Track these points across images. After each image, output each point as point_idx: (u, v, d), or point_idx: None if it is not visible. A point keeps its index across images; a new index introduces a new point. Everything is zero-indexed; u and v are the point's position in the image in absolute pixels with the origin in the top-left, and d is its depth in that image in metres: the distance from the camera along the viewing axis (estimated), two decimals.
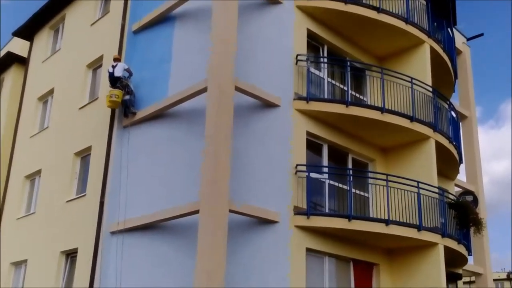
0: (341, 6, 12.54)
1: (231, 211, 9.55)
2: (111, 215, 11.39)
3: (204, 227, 9.28)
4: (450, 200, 12.88)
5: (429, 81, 13.44)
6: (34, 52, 18.09)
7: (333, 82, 13.06)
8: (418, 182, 11.79)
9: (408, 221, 11.58)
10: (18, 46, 19.56)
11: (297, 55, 11.82)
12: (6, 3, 62.70)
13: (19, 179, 16.19)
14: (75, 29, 16.04)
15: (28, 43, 18.54)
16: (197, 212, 9.56)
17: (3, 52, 20.49)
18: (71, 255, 12.91)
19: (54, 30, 17.62)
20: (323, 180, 11.72)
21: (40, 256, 13.69)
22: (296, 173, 10.98)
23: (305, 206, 10.80)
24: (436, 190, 12.28)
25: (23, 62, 18.78)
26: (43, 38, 17.72)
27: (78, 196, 13.22)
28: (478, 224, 13.35)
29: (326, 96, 12.55)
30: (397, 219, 11.48)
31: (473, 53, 20.61)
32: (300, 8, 12.32)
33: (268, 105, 11.15)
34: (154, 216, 10.56)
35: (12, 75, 19.29)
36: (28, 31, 18.21)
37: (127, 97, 11.77)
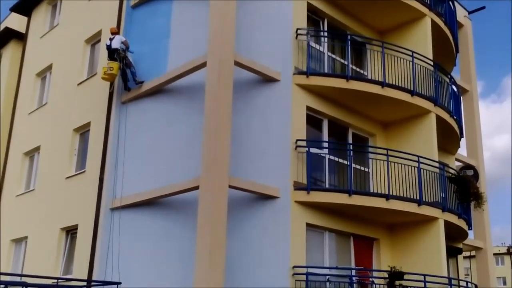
0: None
1: (231, 186, 9.55)
2: (111, 191, 11.41)
3: (204, 202, 9.30)
4: (450, 174, 12.87)
5: (430, 55, 13.29)
6: (32, 28, 17.87)
7: (334, 56, 12.91)
8: (418, 156, 11.75)
9: (408, 196, 11.59)
10: (16, 22, 19.29)
11: (297, 29, 11.64)
12: None
13: (18, 156, 16.19)
14: (73, 4, 15.79)
15: (26, 18, 18.29)
16: (197, 188, 9.57)
17: (1, 28, 20.23)
18: (71, 232, 12.99)
19: (52, 5, 17.36)
20: (323, 155, 11.68)
21: (40, 233, 13.78)
22: (296, 148, 10.93)
23: (305, 182, 10.80)
24: (437, 164, 12.26)
25: (21, 37, 18.57)
26: (41, 13, 17.48)
27: (78, 173, 13.22)
28: (478, 198, 13.37)
29: (326, 71, 12.42)
30: (398, 194, 11.48)
31: (474, 26, 20.35)
32: None
33: (268, 80, 11.04)
34: (154, 192, 10.58)
35: (10, 51, 19.09)
36: (26, 6, 17.97)
37: (128, 70, 11.63)
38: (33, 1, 17.71)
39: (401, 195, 11.53)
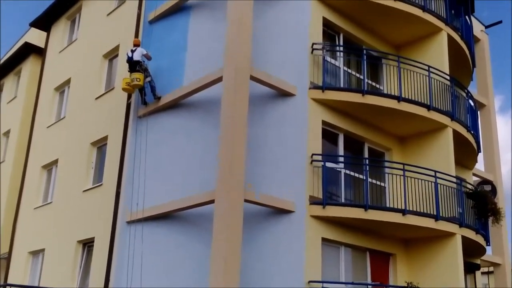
0: None
1: (246, 200, 9.55)
2: (127, 205, 11.48)
3: (219, 216, 9.31)
4: (468, 189, 12.73)
5: (446, 69, 13.24)
6: (51, 43, 18.22)
7: (349, 71, 12.93)
8: (435, 171, 11.65)
9: (425, 211, 11.47)
10: (36, 37, 19.72)
11: (313, 44, 11.70)
12: None
13: (37, 169, 16.40)
14: (91, 19, 16.10)
15: (45, 33, 18.67)
16: (212, 201, 9.59)
17: (21, 43, 20.68)
18: (88, 245, 13.07)
19: (71, 21, 17.71)
20: (339, 169, 11.64)
21: (57, 246, 13.88)
22: (311, 162, 10.92)
23: (321, 196, 10.76)
24: (454, 179, 12.13)
25: (40, 52, 18.95)
26: (60, 28, 17.83)
27: (95, 186, 13.35)
28: (496, 214, 13.17)
29: (342, 85, 12.43)
30: (414, 209, 11.38)
31: (492, 41, 20.24)
32: None
33: (284, 94, 11.08)
34: (170, 206, 10.62)
35: (30, 65, 19.50)
36: (45, 22, 18.33)
37: (147, 81, 11.67)
38: (52, 17, 18.08)
39: (418, 210, 11.42)
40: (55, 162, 15.65)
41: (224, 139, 9.78)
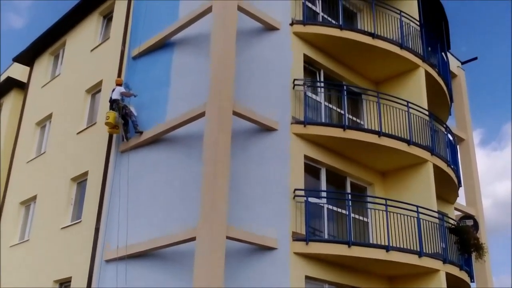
0: (336, 32, 12.68)
1: (228, 237, 9.42)
2: (106, 242, 11.23)
3: (201, 254, 9.14)
4: (450, 224, 12.77)
5: (425, 104, 13.50)
6: (33, 77, 18.17)
7: (330, 106, 13.10)
8: (417, 206, 11.69)
9: (408, 247, 11.44)
10: (19, 71, 19.65)
11: (294, 80, 11.88)
12: (7, 29, 63.39)
13: (14, 205, 16.04)
14: (75, 55, 16.15)
15: (28, 68, 18.63)
16: (194, 239, 9.44)
17: (3, 77, 20.56)
18: (64, 284, 12.69)
19: (54, 56, 17.74)
20: (322, 204, 11.62)
21: (32, 285, 13.42)
22: (294, 197, 10.89)
23: (303, 232, 10.68)
24: (436, 214, 12.19)
25: (22, 87, 18.85)
26: (43, 63, 17.82)
27: (74, 223, 13.07)
28: (479, 249, 13.19)
29: (323, 120, 12.56)
30: (398, 245, 11.34)
31: (470, 76, 20.77)
32: (297, 34, 12.43)
33: (266, 129, 11.14)
34: (150, 244, 10.42)
35: (11, 100, 19.32)
36: (28, 57, 18.34)
37: (129, 119, 11.81)
38: (36, 52, 18.10)
39: (401, 246, 11.38)
40: (34, 198, 15.34)
41: (206, 175, 9.72)
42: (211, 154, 9.78)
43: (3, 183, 17.18)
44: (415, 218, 11.62)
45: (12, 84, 19.29)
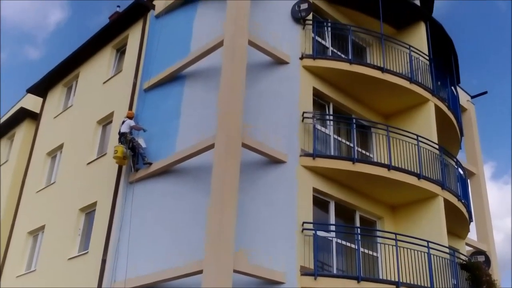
0: (346, 66, 12.81)
1: (236, 271, 9.31)
2: (113, 274, 11.14)
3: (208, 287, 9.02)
4: (461, 260, 12.53)
5: (435, 138, 13.46)
6: (46, 108, 18.45)
7: (339, 139, 13.11)
8: (428, 241, 11.51)
9: (419, 283, 11.20)
10: (32, 102, 19.98)
11: (303, 113, 11.95)
12: (24, 61, 64.90)
13: (23, 234, 16.02)
14: (88, 87, 16.43)
15: (41, 99, 18.95)
16: (200, 272, 9.34)
17: (17, 107, 20.92)
18: None
19: (67, 87, 18.05)
20: (330, 238, 11.49)
21: None
22: (302, 231, 10.79)
23: (312, 266, 10.53)
24: (447, 250, 11.97)
25: (35, 117, 19.13)
26: (56, 94, 18.13)
27: (81, 254, 13.00)
28: (491, 286, 12.87)
29: (332, 153, 12.56)
30: (408, 281, 11.12)
31: (480, 110, 20.72)
32: (307, 68, 12.59)
33: (275, 161, 11.15)
34: (157, 276, 10.31)
35: (24, 130, 19.59)
36: (42, 88, 18.66)
37: (138, 151, 11.95)
38: (49, 83, 18.43)
39: (412, 282, 11.15)
40: (42, 228, 15.34)
41: (214, 206, 9.69)
42: (219, 186, 9.78)
43: (13, 211, 17.23)
44: (426, 254, 11.42)
45: (24, 115, 19.60)
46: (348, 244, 11.73)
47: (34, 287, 14.11)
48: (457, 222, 13.98)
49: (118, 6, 17.65)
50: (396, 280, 10.88)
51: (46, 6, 65.05)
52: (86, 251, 12.77)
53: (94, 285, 11.45)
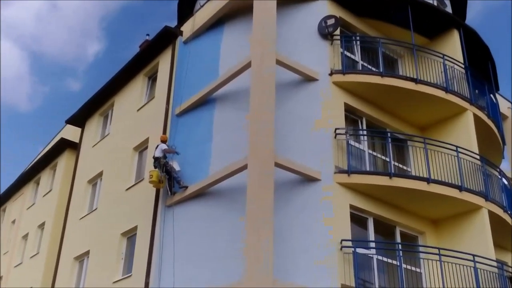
0: (377, 80, 12.64)
1: None
2: None
3: None
4: (510, 274, 11.95)
5: (475, 148, 13.02)
6: (85, 138, 19.05)
7: (374, 153, 12.88)
8: (473, 255, 11.07)
9: None
10: (71, 132, 20.71)
11: (336, 129, 11.82)
12: (65, 92, 67.56)
13: (69, 260, 16.46)
14: (122, 115, 16.89)
15: (79, 129, 19.60)
16: None
17: (57, 139, 21.72)
18: None
19: (103, 116, 18.61)
20: (371, 255, 11.22)
21: None
22: (341, 248, 10.59)
23: (353, 284, 10.29)
24: (494, 263, 11.47)
25: (75, 147, 19.79)
26: (93, 124, 18.71)
27: (124, 277, 13.23)
28: None
29: (368, 168, 12.34)
30: None
31: None
32: (337, 83, 12.48)
33: (309, 179, 11.06)
34: None
35: (65, 159, 20.30)
36: (80, 118, 19.32)
37: (168, 176, 12.12)
38: (86, 113, 19.06)
39: None
40: (87, 253, 15.72)
41: (250, 227, 9.68)
42: (254, 207, 9.79)
43: (59, 239, 17.75)
44: (472, 268, 10.98)
45: (65, 145, 20.34)
46: (390, 260, 11.42)
47: None
48: (504, 234, 13.38)
49: (148, 35, 18.19)
50: None
51: (84, 39, 67.72)
52: (129, 274, 12.99)
53: None
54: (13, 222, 23.76)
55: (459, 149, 12.46)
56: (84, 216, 16.78)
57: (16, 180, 24.23)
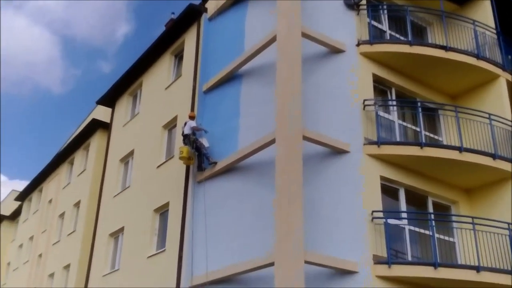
0: (406, 49, 12.38)
1: (307, 262, 9.33)
2: (189, 269, 11.53)
3: (280, 279, 9.13)
4: None
5: (508, 115, 12.70)
6: (115, 118, 19.40)
7: (405, 124, 12.72)
8: (508, 223, 10.93)
9: (500, 267, 10.66)
10: (102, 113, 21.11)
11: (364, 100, 11.70)
12: (97, 75, 68.55)
13: (105, 237, 16.99)
14: (151, 94, 17.09)
15: (110, 109, 19.95)
16: (272, 264, 9.46)
17: (89, 120, 22.17)
18: None
19: (133, 96, 18.87)
20: (403, 226, 11.19)
21: None
22: (372, 220, 10.59)
23: (385, 255, 10.32)
24: None
25: (106, 127, 20.19)
26: (123, 104, 19.00)
27: (158, 252, 13.59)
28: None
29: (398, 139, 12.20)
30: (489, 265, 10.61)
31: None
32: (364, 54, 12.28)
33: (338, 151, 11.03)
34: (231, 270, 10.58)
35: (97, 140, 20.76)
36: (110, 99, 19.65)
37: (198, 152, 12.25)
38: (116, 94, 19.35)
39: (493, 265, 10.63)
40: (121, 230, 16.17)
41: (279, 200, 9.77)
42: (283, 181, 9.84)
43: (94, 217, 18.31)
44: (507, 236, 10.85)
45: (96, 125, 20.77)
46: (422, 231, 11.37)
47: (119, 287, 14.93)
48: None
49: (173, 13, 18.21)
50: (476, 264, 10.43)
51: (113, 21, 68.25)
52: (163, 249, 13.33)
53: (173, 280, 11.94)
54: (50, 201, 24.56)
55: (492, 117, 12.18)
56: (118, 194, 17.21)
57: (51, 161, 24.94)
